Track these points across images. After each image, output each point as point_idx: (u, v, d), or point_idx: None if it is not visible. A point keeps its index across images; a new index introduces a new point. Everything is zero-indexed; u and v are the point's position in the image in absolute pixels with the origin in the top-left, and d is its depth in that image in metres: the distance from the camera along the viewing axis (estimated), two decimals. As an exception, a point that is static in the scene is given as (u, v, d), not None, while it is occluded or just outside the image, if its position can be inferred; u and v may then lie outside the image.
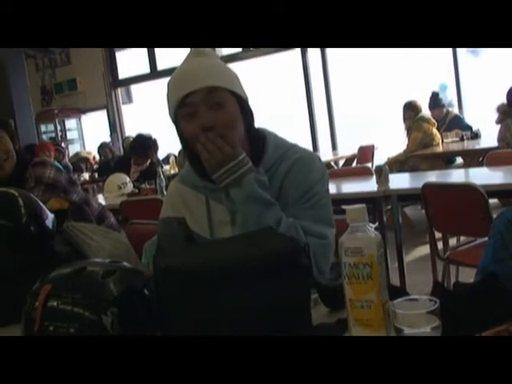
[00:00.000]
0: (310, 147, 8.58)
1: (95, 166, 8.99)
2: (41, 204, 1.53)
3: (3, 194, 1.50)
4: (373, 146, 7.42)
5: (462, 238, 3.73)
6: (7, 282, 1.43)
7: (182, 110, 1.44)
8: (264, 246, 1.20)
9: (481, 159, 5.12)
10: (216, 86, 1.43)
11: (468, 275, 3.32)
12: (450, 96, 8.14)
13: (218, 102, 1.43)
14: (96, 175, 8.06)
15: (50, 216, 1.54)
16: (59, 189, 1.99)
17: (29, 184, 1.95)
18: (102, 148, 9.15)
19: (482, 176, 3.68)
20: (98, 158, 9.61)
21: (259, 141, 1.54)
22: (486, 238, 1.60)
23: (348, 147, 8.12)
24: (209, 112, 1.42)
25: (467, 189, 2.86)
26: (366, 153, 7.32)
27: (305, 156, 1.55)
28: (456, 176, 4.24)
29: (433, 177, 4.15)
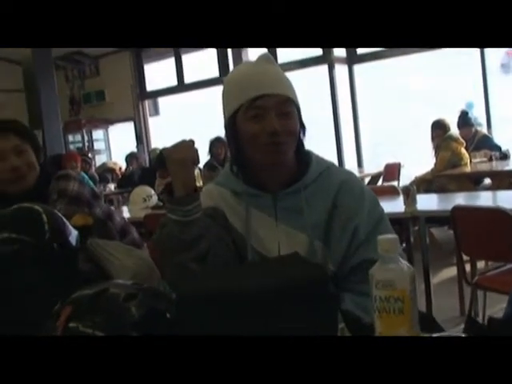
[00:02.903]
0: (335, 163, 8.50)
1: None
2: (64, 220, 1.51)
3: (27, 209, 1.48)
4: (399, 164, 7.34)
5: (491, 262, 3.65)
6: (29, 299, 1.41)
7: (249, 110, 1.44)
8: (290, 273, 1.18)
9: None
10: (289, 97, 1.46)
11: (496, 300, 3.24)
12: (476, 114, 8.04)
13: (288, 112, 1.46)
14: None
15: (74, 233, 1.52)
16: (83, 202, 1.97)
17: (52, 197, 1.94)
18: (131, 157, 9.19)
19: (512, 199, 3.60)
20: (124, 168, 9.66)
21: (305, 154, 1.55)
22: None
23: (374, 164, 8.06)
24: (277, 118, 1.43)
25: (497, 213, 2.80)
26: (393, 171, 7.25)
27: (351, 175, 1.58)
28: (485, 199, 4.16)
29: (460, 199, 4.07)
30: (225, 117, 1.52)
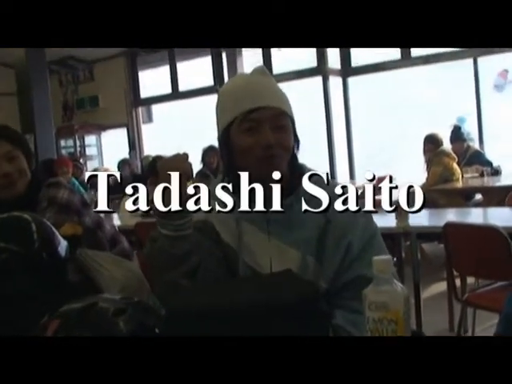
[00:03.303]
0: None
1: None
2: (54, 230, 1.50)
3: (17, 218, 1.46)
4: (391, 177, 7.34)
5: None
6: (17, 309, 1.39)
7: (243, 123, 1.42)
8: (282, 289, 1.16)
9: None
10: (284, 110, 1.45)
11: (486, 317, 3.24)
12: (468, 129, 8.07)
13: (282, 126, 1.44)
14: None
15: (63, 243, 1.50)
16: (72, 210, 1.95)
17: (41, 204, 1.92)
18: (123, 163, 9.13)
19: (504, 217, 3.60)
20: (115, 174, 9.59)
21: (299, 168, 1.52)
22: (506, 282, 1.55)
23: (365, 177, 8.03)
24: (271, 132, 1.41)
25: (489, 231, 2.80)
26: (384, 184, 7.24)
27: None
28: (476, 215, 4.17)
29: (451, 215, 4.08)
30: (218, 129, 1.50)
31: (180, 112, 10.69)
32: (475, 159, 6.57)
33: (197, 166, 6.65)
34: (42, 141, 8.29)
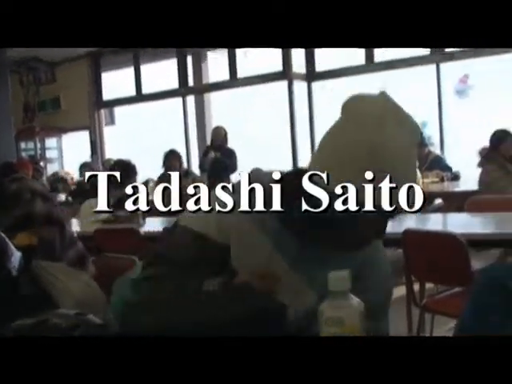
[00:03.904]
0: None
1: (72, 187, 8.81)
2: (7, 241, 1.46)
3: (-32, 229, 1.43)
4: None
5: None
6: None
7: None
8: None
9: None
10: None
11: (442, 322, 3.29)
12: (429, 133, 8.19)
13: None
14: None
15: (17, 254, 1.47)
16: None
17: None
18: (84, 167, 9.00)
19: (462, 223, 3.67)
20: (76, 178, 9.46)
21: None
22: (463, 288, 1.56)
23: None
24: None
25: (447, 238, 2.84)
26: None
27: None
28: (435, 221, 4.22)
29: (411, 221, 4.12)
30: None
31: (143, 114, 10.60)
32: (436, 164, 6.65)
33: (158, 169, 6.60)
34: (2, 143, 8.15)
